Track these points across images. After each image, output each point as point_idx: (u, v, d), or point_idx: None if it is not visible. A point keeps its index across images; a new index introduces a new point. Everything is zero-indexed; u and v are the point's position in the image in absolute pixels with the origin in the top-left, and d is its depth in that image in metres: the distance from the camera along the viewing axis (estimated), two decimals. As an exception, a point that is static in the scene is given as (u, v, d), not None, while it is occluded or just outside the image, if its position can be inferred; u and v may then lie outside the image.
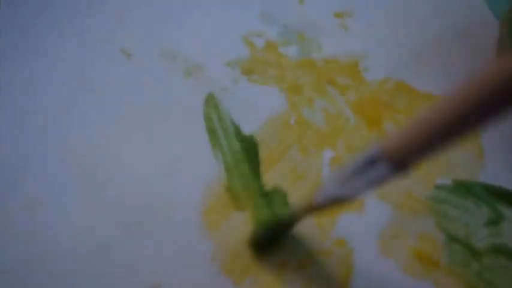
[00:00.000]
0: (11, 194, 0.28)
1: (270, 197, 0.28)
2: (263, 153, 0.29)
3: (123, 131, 0.30)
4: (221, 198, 0.28)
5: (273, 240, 0.27)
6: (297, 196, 0.28)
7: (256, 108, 0.31)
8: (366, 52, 0.33)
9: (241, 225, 0.28)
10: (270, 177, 0.29)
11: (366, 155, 0.20)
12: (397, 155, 0.19)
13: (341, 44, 0.33)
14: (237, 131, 0.30)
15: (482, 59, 0.32)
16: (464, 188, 0.28)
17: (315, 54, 0.33)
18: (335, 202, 0.21)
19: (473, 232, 0.27)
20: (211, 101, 0.31)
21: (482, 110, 0.16)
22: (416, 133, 0.18)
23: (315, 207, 0.22)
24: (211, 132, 0.30)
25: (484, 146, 0.30)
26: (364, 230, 0.27)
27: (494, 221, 0.27)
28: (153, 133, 0.30)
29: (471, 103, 0.16)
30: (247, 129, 0.30)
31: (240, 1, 0.34)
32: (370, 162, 0.20)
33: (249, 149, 0.30)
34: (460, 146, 0.30)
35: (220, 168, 0.29)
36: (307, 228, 0.28)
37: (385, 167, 0.19)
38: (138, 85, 0.31)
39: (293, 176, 0.29)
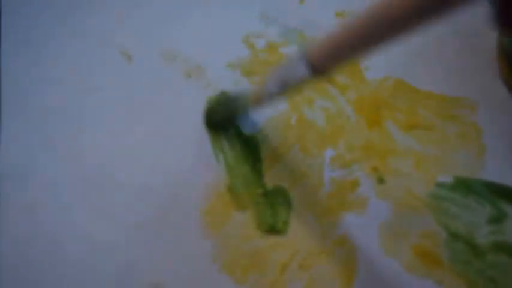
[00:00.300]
0: (11, 194, 0.28)
1: (271, 196, 0.28)
2: (264, 153, 0.29)
3: (123, 131, 0.30)
4: (222, 198, 0.28)
5: (227, 119, 0.30)
6: (298, 195, 0.28)
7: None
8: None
9: (242, 224, 0.27)
10: (271, 177, 0.29)
11: (291, 56, 0.23)
12: (316, 58, 0.21)
13: (341, 43, 0.33)
14: (238, 132, 0.30)
15: (482, 59, 0.32)
16: (465, 186, 0.28)
17: (315, 54, 0.33)
18: (273, 97, 0.25)
19: (475, 230, 0.27)
20: (212, 102, 0.31)
21: (384, 26, 0.19)
22: (333, 42, 0.21)
23: (260, 100, 0.26)
24: (212, 132, 0.30)
25: (485, 144, 0.29)
26: (366, 229, 0.27)
27: (497, 219, 0.27)
28: (154, 134, 0.30)
29: (375, 19, 0.19)
30: (247, 130, 0.30)
31: (240, 1, 0.34)
32: (295, 63, 0.22)
33: (250, 149, 0.30)
34: (461, 144, 0.30)
35: (221, 168, 0.29)
36: (310, 227, 0.28)
37: (306, 69, 0.22)
38: (138, 86, 0.31)
39: (294, 175, 0.29)
